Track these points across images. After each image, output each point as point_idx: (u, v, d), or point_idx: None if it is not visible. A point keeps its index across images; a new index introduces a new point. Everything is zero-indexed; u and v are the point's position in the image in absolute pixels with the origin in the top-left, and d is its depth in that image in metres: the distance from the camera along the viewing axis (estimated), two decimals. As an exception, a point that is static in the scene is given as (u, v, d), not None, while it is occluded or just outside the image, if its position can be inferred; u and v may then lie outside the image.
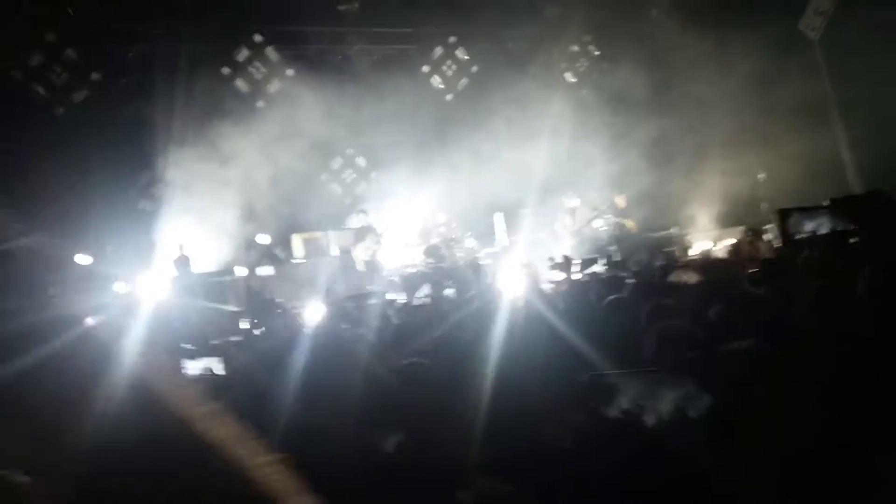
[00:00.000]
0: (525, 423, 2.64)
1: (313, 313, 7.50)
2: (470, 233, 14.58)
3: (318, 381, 3.74)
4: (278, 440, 2.46)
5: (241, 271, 13.53)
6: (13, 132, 11.81)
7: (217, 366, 3.21)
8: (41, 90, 12.88)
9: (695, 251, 12.57)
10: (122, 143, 13.12)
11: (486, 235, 14.84)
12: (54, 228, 11.75)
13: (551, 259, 11.07)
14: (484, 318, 5.45)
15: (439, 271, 13.22)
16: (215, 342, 9.78)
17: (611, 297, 5.15)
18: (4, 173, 11.59)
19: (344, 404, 3.45)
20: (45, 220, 11.57)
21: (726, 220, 13.77)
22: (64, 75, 13.01)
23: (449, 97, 15.93)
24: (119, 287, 12.50)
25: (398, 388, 3.23)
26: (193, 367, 3.26)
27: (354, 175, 15.77)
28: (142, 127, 13.20)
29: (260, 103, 14.40)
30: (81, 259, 12.57)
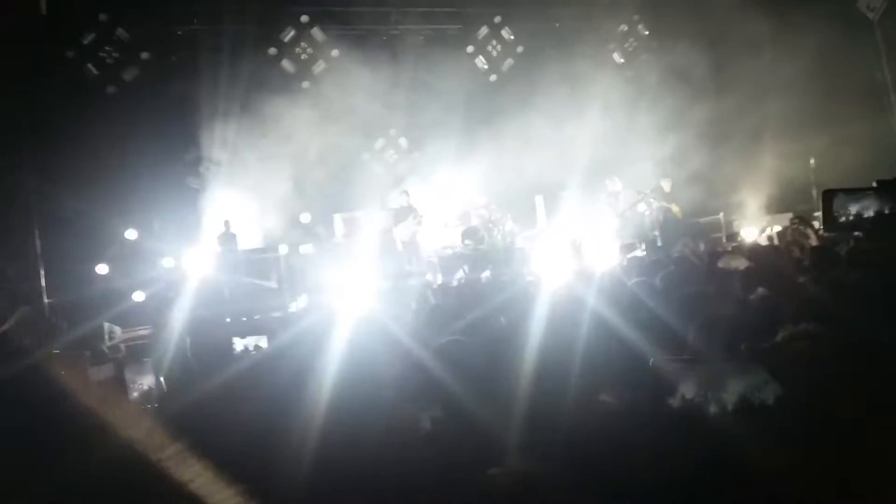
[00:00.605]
0: (563, 406, 2.63)
1: (353, 292, 7.57)
2: (510, 215, 14.52)
3: (358, 360, 3.78)
4: (319, 417, 2.49)
5: (283, 249, 13.74)
6: (67, 110, 12.10)
7: (263, 343, 3.26)
8: (93, 69, 13.16)
9: (741, 238, 12.31)
10: (170, 121, 13.36)
11: (526, 218, 14.75)
12: (104, 204, 12.07)
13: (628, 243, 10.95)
14: (523, 300, 5.44)
15: (478, 253, 13.23)
16: (257, 317, 9.98)
17: (637, 280, 5.07)
18: (58, 151, 11.93)
19: (383, 382, 3.49)
20: (96, 196, 11.89)
21: (775, 207, 13.43)
22: (115, 54, 13.26)
23: (493, 78, 15.80)
24: (166, 262, 12.82)
25: (436, 366, 3.24)
26: (241, 344, 3.31)
27: (396, 155, 15.79)
28: (189, 105, 13.40)
29: (305, 83, 14.49)
30: (130, 234, 12.91)
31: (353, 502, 1.96)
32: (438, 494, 1.76)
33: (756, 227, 12.86)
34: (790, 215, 11.35)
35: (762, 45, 13.30)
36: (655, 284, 4.58)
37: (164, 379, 3.08)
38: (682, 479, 1.82)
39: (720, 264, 4.13)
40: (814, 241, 6.66)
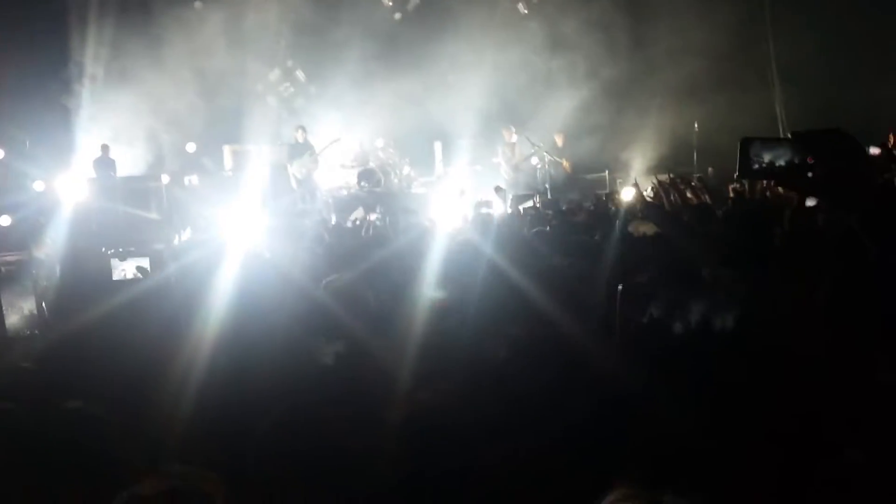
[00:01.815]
0: (462, 339, 2.70)
1: (242, 227, 7.34)
2: (408, 159, 14.46)
3: (249, 295, 3.71)
4: (208, 349, 2.43)
5: (165, 179, 13.08)
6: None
7: (145, 264, 3.12)
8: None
9: (623, 195, 12.83)
10: (45, 32, 12.29)
11: (425, 164, 14.75)
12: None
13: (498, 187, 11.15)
14: (418, 243, 5.48)
15: (374, 196, 13.13)
16: (133, 249, 9.50)
17: (536, 230, 5.24)
18: None
19: (275, 317, 3.44)
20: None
21: (657, 168, 14.06)
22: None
23: (398, 16, 15.45)
24: (36, 185, 11.94)
25: (334, 304, 3.23)
26: (124, 268, 3.15)
27: (292, 89, 15.26)
28: (68, 16, 12.36)
29: (197, 3, 13.63)
30: (-5, 151, 11.92)
31: (244, 435, 1.94)
32: (339, 426, 1.78)
33: (637, 186, 13.43)
34: (668, 176, 11.94)
35: (660, 9, 13.69)
36: (543, 232, 4.74)
37: (45, 305, 2.89)
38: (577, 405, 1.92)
39: (629, 229, 4.32)
40: (692, 201, 7.05)
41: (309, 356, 2.41)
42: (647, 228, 4.16)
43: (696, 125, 13.67)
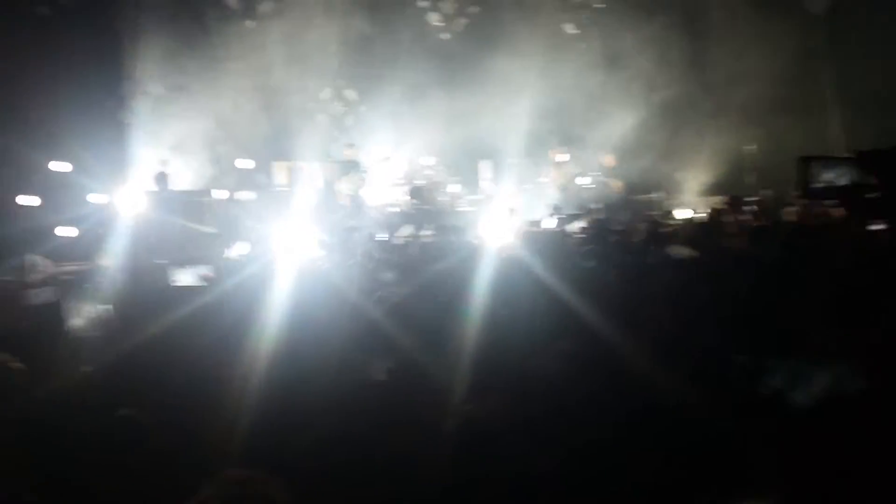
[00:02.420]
0: (509, 352, 2.69)
1: (294, 242, 7.46)
2: (455, 177, 14.52)
3: (303, 310, 3.76)
4: (269, 361, 2.46)
5: (220, 194, 13.40)
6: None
7: (206, 275, 3.18)
8: (26, -12, 12.38)
9: (676, 217, 12.66)
10: (106, 51, 12.74)
11: (471, 182, 14.78)
12: (33, 134, 11.50)
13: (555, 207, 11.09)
14: (467, 260, 5.49)
15: (422, 213, 13.21)
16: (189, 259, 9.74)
17: (588, 248, 5.20)
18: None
19: (329, 333, 3.48)
20: (25, 126, 11.30)
21: (711, 190, 13.83)
22: (51, -26, 12.50)
23: (446, 36, 15.59)
24: (96, 198, 12.34)
25: (385, 319, 3.25)
26: (184, 277, 3.22)
27: (344, 108, 15.49)
28: (128, 36, 12.80)
29: (251, 23, 13.98)
30: (59, 167, 12.34)
31: (300, 443, 1.96)
32: (393, 438, 1.78)
33: (690, 208, 13.25)
34: (723, 198, 11.75)
35: (719, 30, 13.53)
36: (603, 252, 4.69)
37: (108, 311, 2.98)
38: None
39: (670, 252, 4.25)
40: (746, 224, 6.91)
41: (362, 371, 2.42)
42: (683, 251, 4.09)
43: (751, 146, 13.43)
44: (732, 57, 13.12)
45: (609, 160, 13.78)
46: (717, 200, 12.19)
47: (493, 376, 2.42)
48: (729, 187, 12.30)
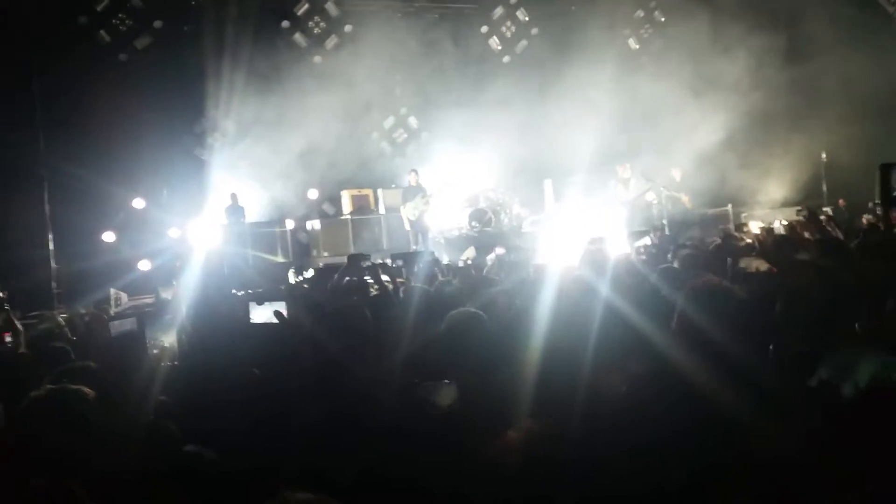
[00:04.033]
0: (577, 374, 2.64)
1: (359, 267, 7.52)
2: (517, 198, 14.50)
3: (368, 336, 3.79)
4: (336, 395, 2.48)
5: (289, 224, 13.77)
6: (78, 76, 12.06)
7: (282, 309, 3.25)
8: (106, 36, 13.07)
9: (749, 230, 12.27)
10: (180, 91, 13.30)
11: (535, 202, 14.73)
12: (113, 173, 12.07)
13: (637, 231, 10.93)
14: (531, 283, 5.43)
15: (484, 235, 13.22)
16: (261, 290, 10.00)
17: (662, 267, 5.06)
18: (68, 116, 11.91)
19: (394, 356, 3.50)
20: (105, 165, 11.89)
21: (784, 202, 13.39)
22: (128, 22, 13.17)
23: (506, 59, 15.69)
24: (172, 232, 12.85)
25: (448, 341, 3.24)
26: (261, 313, 3.30)
27: (406, 134, 15.75)
28: (200, 75, 13.35)
29: (317, 58, 14.42)
30: (137, 203, 12.92)
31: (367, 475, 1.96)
32: (453, 460, 1.78)
33: (764, 220, 12.82)
34: (798, 209, 11.34)
35: (780, 40, 13.19)
36: (676, 270, 4.57)
37: (184, 341, 3.09)
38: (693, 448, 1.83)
39: (741, 264, 4.10)
40: (823, 235, 6.63)
41: (422, 401, 2.42)
42: (759, 264, 3.92)
43: (823, 156, 12.95)
44: (798, 64, 12.73)
45: (677, 173, 13.51)
46: (792, 212, 11.78)
47: (560, 398, 2.38)
48: (801, 198, 11.87)
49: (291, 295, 3.51)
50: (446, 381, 2.52)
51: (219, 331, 3.19)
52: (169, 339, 3.17)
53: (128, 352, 2.99)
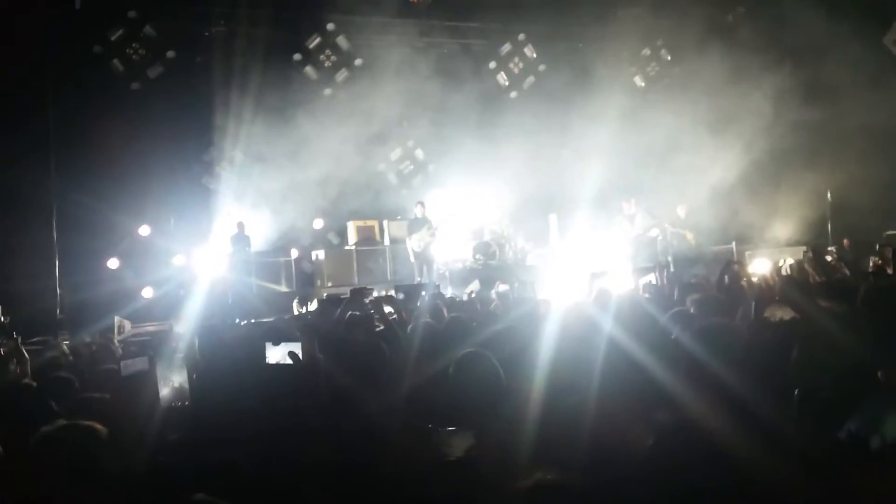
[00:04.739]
0: (582, 414, 2.62)
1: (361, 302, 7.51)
2: (522, 232, 14.54)
3: (368, 371, 3.76)
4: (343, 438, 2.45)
5: (294, 253, 13.81)
6: (91, 104, 12.21)
7: (297, 350, 3.23)
8: (119, 65, 13.25)
9: (753, 269, 12.24)
10: (190, 120, 13.47)
11: (539, 236, 14.76)
12: (120, 200, 12.16)
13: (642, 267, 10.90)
14: (534, 318, 5.41)
15: (488, 268, 13.24)
16: (268, 319, 10.00)
17: (675, 311, 5.03)
18: (80, 143, 12.04)
19: (398, 392, 3.47)
20: (113, 192, 11.98)
21: (788, 240, 13.39)
22: (141, 51, 13.36)
23: (513, 94, 15.86)
24: (177, 260, 12.89)
25: (452, 380, 3.22)
26: (276, 353, 3.28)
27: (412, 166, 15.85)
28: (210, 106, 13.51)
29: (327, 90, 14.58)
30: (143, 230, 12.99)
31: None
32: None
33: (768, 258, 12.79)
34: (804, 248, 11.32)
35: (785, 79, 13.31)
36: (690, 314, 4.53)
37: (194, 379, 3.08)
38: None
39: (766, 314, 4.05)
40: (830, 275, 6.61)
41: (435, 448, 2.40)
42: (783, 313, 3.87)
43: (828, 195, 12.98)
44: (802, 104, 12.83)
45: (682, 210, 13.54)
46: (795, 251, 11.77)
47: (565, 442, 2.36)
48: (808, 237, 11.87)
49: (306, 333, 3.47)
50: (461, 429, 2.49)
51: (232, 371, 3.18)
52: (179, 379, 3.16)
53: (139, 392, 2.97)
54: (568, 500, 1.70)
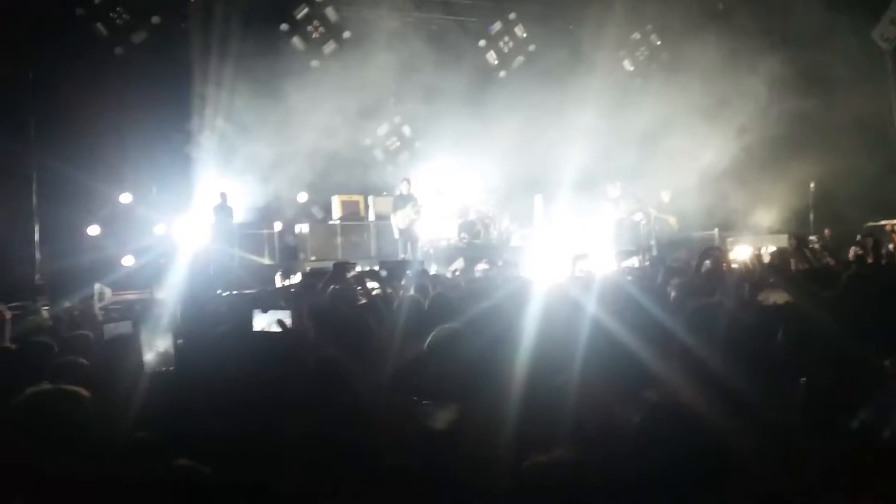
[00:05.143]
0: (564, 391, 2.63)
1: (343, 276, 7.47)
2: (507, 212, 14.54)
3: (353, 344, 3.75)
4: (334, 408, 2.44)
5: (277, 226, 13.72)
6: (73, 68, 11.96)
7: (286, 318, 3.21)
8: (103, 29, 12.98)
9: (735, 255, 12.35)
10: (174, 88, 13.25)
11: (524, 216, 14.77)
12: (101, 167, 11.98)
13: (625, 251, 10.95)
14: (518, 297, 5.43)
15: (473, 247, 13.24)
16: (250, 291, 9.95)
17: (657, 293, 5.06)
18: (60, 108, 11.81)
19: (382, 374, 3.46)
20: (94, 159, 11.80)
21: (770, 228, 13.51)
22: (125, 16, 13.10)
23: (502, 73, 15.77)
24: (158, 229, 12.75)
25: (436, 358, 3.22)
26: (263, 320, 3.26)
27: (399, 143, 15.76)
28: (194, 74, 13.30)
29: (314, 62, 14.40)
30: (124, 198, 12.82)
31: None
32: (469, 487, 1.77)
33: (750, 245, 12.91)
34: (785, 236, 11.44)
35: (774, 68, 13.35)
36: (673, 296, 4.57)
37: (178, 345, 3.05)
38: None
39: (759, 297, 4.08)
40: (813, 263, 6.68)
41: (419, 418, 2.41)
42: (777, 297, 3.90)
43: (811, 185, 13.10)
44: (789, 91, 12.90)
45: (665, 195, 13.61)
46: (777, 238, 11.89)
47: (552, 423, 2.38)
48: (788, 226, 11.98)
49: (295, 302, 3.46)
50: (445, 401, 2.50)
51: (218, 337, 3.15)
52: (164, 344, 3.14)
53: (121, 355, 2.95)
54: (582, 477, 1.70)
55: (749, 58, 13.91)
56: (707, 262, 6.22)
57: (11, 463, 1.91)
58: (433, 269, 11.64)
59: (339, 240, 13.67)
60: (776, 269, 5.74)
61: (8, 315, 3.82)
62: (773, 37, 13.60)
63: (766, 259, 9.41)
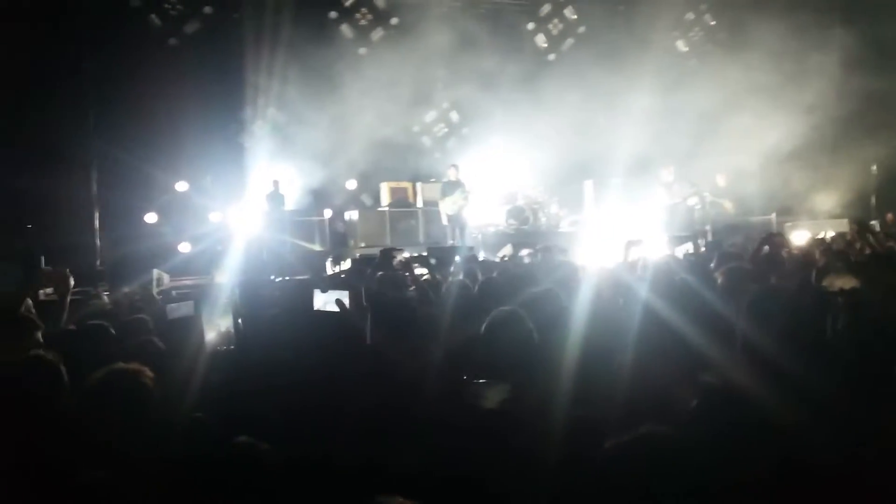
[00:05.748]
0: (616, 374, 2.60)
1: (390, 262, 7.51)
2: (556, 198, 14.40)
3: (402, 329, 3.78)
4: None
5: (327, 213, 13.88)
6: (128, 60, 12.27)
7: (345, 298, 3.26)
8: (157, 20, 13.27)
9: (794, 241, 12.01)
10: (227, 78, 13.47)
11: (574, 202, 14.61)
12: (158, 156, 12.28)
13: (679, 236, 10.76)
14: (567, 283, 5.37)
15: (521, 233, 13.17)
16: (303, 277, 10.10)
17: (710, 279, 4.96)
18: (117, 99, 12.14)
19: (435, 352, 3.48)
20: (151, 148, 12.10)
21: (830, 213, 13.08)
22: (179, 7, 13.36)
23: (552, 57, 15.57)
24: (213, 217, 13.03)
25: (492, 339, 3.21)
26: (324, 300, 3.31)
27: (447, 129, 15.74)
28: (247, 63, 13.50)
29: (362, 50, 14.47)
30: (180, 186, 13.13)
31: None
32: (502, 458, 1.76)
33: (809, 230, 12.53)
34: (845, 221, 11.07)
35: (831, 49, 12.83)
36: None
37: (240, 325, 3.12)
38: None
39: (825, 283, 3.94)
40: (876, 248, 6.44)
41: (470, 399, 2.41)
42: (843, 282, 3.76)
43: (873, 168, 12.62)
44: (851, 75, 12.39)
45: (721, 179, 13.27)
46: (838, 223, 11.51)
47: (606, 406, 2.35)
48: (851, 211, 11.57)
49: (353, 285, 3.50)
50: (498, 380, 2.50)
51: (279, 316, 3.21)
52: (224, 323, 3.21)
53: (184, 334, 3.03)
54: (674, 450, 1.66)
55: (806, 36, 13.41)
56: (766, 247, 6.07)
57: (81, 437, 1.98)
58: (482, 256, 11.62)
59: (387, 226, 13.74)
60: (841, 255, 5.56)
61: (72, 281, 3.93)
62: (832, 14, 13.05)
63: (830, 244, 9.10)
